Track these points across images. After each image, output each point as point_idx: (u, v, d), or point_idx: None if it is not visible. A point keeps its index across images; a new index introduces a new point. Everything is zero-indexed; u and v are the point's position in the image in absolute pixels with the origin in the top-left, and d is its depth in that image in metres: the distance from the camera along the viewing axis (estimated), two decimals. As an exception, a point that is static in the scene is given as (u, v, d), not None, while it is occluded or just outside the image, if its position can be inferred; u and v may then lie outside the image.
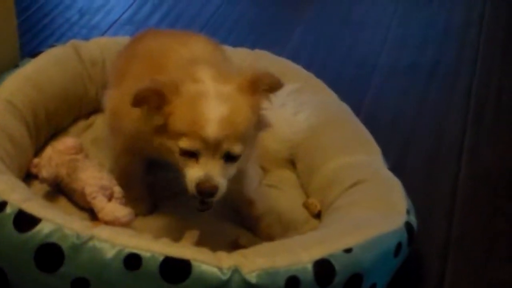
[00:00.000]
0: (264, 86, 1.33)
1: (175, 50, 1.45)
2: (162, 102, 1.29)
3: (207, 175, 1.28)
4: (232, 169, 1.32)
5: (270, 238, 1.49)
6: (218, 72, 1.35)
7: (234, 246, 1.44)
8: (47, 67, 1.72)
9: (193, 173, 1.29)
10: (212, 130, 1.27)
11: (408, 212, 1.45)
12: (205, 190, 1.29)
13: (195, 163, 1.29)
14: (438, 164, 1.88)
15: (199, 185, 1.28)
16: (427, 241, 1.59)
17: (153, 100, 1.30)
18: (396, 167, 1.63)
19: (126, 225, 1.43)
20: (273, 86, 1.34)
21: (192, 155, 1.29)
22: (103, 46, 1.86)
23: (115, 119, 1.49)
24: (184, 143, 1.29)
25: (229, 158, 1.30)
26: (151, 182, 1.58)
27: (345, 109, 1.78)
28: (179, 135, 1.29)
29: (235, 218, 1.55)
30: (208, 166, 1.28)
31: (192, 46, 1.46)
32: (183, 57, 1.42)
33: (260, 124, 1.36)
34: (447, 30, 2.52)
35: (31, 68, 1.70)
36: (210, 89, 1.30)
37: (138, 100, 1.30)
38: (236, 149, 1.29)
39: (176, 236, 1.46)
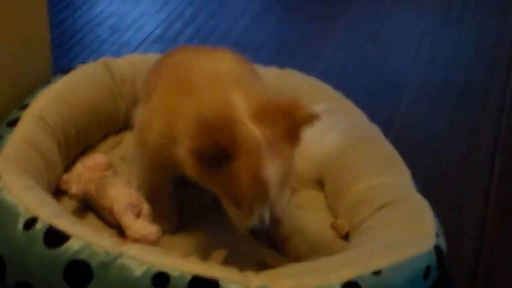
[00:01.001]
0: (307, 125, 1.32)
1: (199, 64, 1.44)
2: (223, 159, 1.26)
3: (261, 223, 1.31)
4: None
5: (297, 258, 1.48)
6: (255, 102, 1.31)
7: (262, 266, 1.43)
8: (78, 84, 1.74)
9: (245, 220, 1.31)
10: (274, 195, 1.28)
11: (437, 235, 1.44)
12: (258, 232, 1.32)
13: (245, 212, 1.31)
14: (469, 185, 1.86)
15: (252, 230, 1.32)
16: (456, 264, 1.57)
17: (215, 154, 1.25)
18: (425, 188, 1.62)
19: (153, 243, 1.44)
20: (313, 121, 1.32)
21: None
22: (134, 64, 1.87)
23: (143, 134, 1.50)
24: (244, 204, 1.30)
25: None
26: (179, 200, 1.58)
27: (374, 130, 1.77)
28: (240, 196, 1.29)
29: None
30: (261, 215, 1.31)
31: (217, 59, 1.45)
32: (209, 73, 1.41)
33: None
34: (478, 49, 2.50)
35: (63, 84, 1.71)
36: (262, 144, 1.26)
37: (202, 153, 1.26)
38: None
39: (203, 255, 1.46)
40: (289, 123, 1.29)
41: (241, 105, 1.30)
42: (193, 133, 1.26)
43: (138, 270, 1.22)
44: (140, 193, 1.55)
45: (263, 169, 1.25)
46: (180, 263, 1.24)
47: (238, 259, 1.37)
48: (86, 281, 1.23)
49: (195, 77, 1.40)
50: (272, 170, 1.26)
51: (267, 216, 1.32)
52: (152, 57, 1.86)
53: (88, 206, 1.58)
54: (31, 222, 1.30)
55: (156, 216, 1.52)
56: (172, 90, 1.43)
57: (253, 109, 1.30)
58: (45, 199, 1.39)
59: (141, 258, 1.23)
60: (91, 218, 1.57)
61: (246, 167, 1.26)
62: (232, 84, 1.36)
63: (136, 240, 1.43)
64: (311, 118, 1.31)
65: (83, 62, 1.88)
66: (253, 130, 1.27)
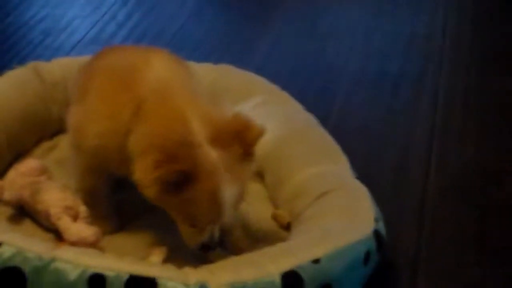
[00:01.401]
0: (257, 143, 1.35)
1: (137, 68, 1.43)
2: (183, 185, 1.28)
3: (211, 240, 1.34)
4: None
5: (239, 251, 1.47)
6: (212, 126, 1.33)
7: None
8: (6, 90, 1.71)
9: (194, 237, 1.34)
10: (229, 216, 1.33)
11: (376, 220, 1.45)
12: (209, 250, 1.35)
13: (197, 229, 1.33)
14: (407, 172, 1.88)
15: (202, 247, 1.35)
16: (398, 249, 1.59)
17: (175, 180, 1.28)
18: (364, 176, 1.63)
19: (93, 244, 1.42)
20: (262, 136, 1.36)
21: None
22: (65, 67, 1.85)
23: (78, 136, 1.47)
24: (199, 225, 1.33)
25: None
26: (117, 200, 1.56)
27: (310, 120, 1.78)
28: (196, 218, 1.32)
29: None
30: (212, 232, 1.34)
31: (155, 64, 1.44)
32: (148, 80, 1.40)
33: None
34: (411, 40, 2.53)
35: (-11, 91, 1.68)
36: (219, 168, 1.29)
37: (164, 181, 1.28)
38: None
39: (144, 254, 1.45)
40: (243, 145, 1.33)
41: (198, 129, 1.32)
42: (154, 160, 1.27)
43: (72, 273, 1.20)
44: (77, 196, 1.53)
45: (220, 191, 1.29)
46: (116, 263, 1.22)
47: (179, 256, 1.37)
48: (20, 287, 1.20)
49: (139, 87, 1.39)
50: (228, 192, 1.30)
51: (217, 233, 1.35)
52: (83, 59, 1.83)
53: (23, 212, 1.55)
54: (-41, 232, 1.26)
55: (95, 218, 1.50)
56: (112, 95, 1.41)
57: (209, 133, 1.32)
58: (-25, 207, 1.35)
59: (75, 261, 1.21)
60: (28, 223, 1.54)
61: (205, 190, 1.29)
62: (180, 101, 1.36)
63: (75, 243, 1.41)
64: (261, 134, 1.35)
65: (13, 68, 1.84)
66: (211, 154, 1.30)
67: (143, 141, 1.32)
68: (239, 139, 1.32)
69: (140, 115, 1.36)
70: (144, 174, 1.29)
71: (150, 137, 1.31)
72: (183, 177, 1.27)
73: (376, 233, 1.42)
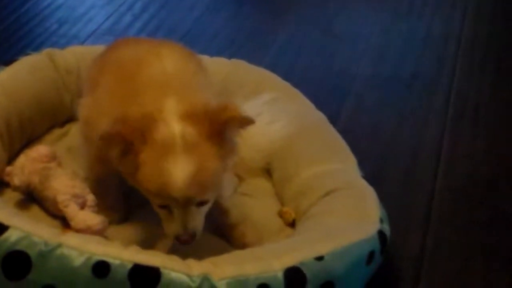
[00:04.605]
0: (235, 126, 1.31)
1: (147, 62, 1.42)
2: (129, 150, 1.28)
3: (184, 228, 1.29)
4: (207, 207, 1.33)
5: (244, 246, 1.48)
6: (187, 106, 1.30)
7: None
8: (20, 75, 1.72)
9: (170, 227, 1.31)
10: (180, 192, 1.26)
11: (381, 220, 1.45)
12: (185, 241, 1.30)
13: (169, 213, 1.30)
14: (415, 175, 1.88)
15: (177, 238, 1.30)
16: (402, 251, 1.59)
17: (120, 145, 1.28)
18: (373, 177, 1.63)
19: (98, 233, 1.43)
20: (244, 124, 1.31)
21: (165, 206, 1.30)
22: (79, 55, 1.85)
23: (88, 127, 1.48)
24: (155, 200, 1.30)
25: (202, 203, 1.31)
26: (125, 191, 1.57)
27: (321, 118, 1.78)
28: (149, 191, 1.29)
29: (209, 226, 1.53)
30: (183, 218, 1.29)
31: (164, 58, 1.43)
32: (154, 73, 1.39)
33: (230, 153, 1.34)
34: (426, 42, 2.53)
35: (3, 75, 1.69)
36: (177, 140, 1.26)
37: (106, 140, 1.28)
38: (208, 197, 1.31)
39: (149, 244, 1.46)
40: (213, 124, 1.28)
41: (170, 107, 1.30)
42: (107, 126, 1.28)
43: (77, 260, 1.21)
44: (86, 184, 1.54)
45: (167, 162, 1.25)
46: (121, 252, 1.23)
47: (183, 248, 1.36)
48: (25, 271, 1.21)
49: (140, 80, 1.39)
50: (178, 166, 1.25)
51: (191, 222, 1.29)
52: (98, 48, 1.83)
53: (32, 198, 1.56)
54: (-33, 214, 1.27)
55: (102, 207, 1.51)
56: (120, 90, 1.41)
57: (181, 110, 1.30)
58: (-16, 191, 1.36)
59: (80, 248, 1.22)
60: (35, 209, 1.55)
61: (150, 158, 1.26)
62: (172, 89, 1.35)
63: (81, 231, 1.42)
64: (240, 119, 1.30)
65: (28, 54, 1.84)
66: (171, 126, 1.27)
67: None
68: (211, 119, 1.28)
69: (136, 105, 1.34)
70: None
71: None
72: (121, 140, 1.26)
73: (381, 233, 1.42)
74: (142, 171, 1.27)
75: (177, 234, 1.30)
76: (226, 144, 1.31)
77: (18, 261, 1.22)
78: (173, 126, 1.28)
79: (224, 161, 1.32)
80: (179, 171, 1.25)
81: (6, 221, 1.26)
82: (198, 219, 1.31)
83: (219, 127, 1.29)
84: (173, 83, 1.37)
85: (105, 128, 1.27)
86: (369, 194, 1.52)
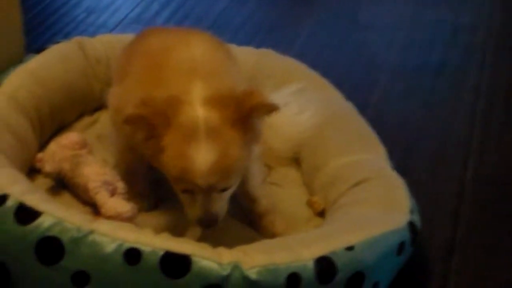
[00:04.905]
0: (260, 113, 1.30)
1: (175, 49, 1.42)
2: (153, 134, 1.28)
3: (206, 213, 1.29)
4: (230, 192, 1.33)
5: (272, 235, 1.48)
6: (213, 91, 1.30)
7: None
8: (51, 63, 1.72)
9: (192, 211, 1.31)
10: (203, 179, 1.26)
11: (411, 211, 1.44)
12: (206, 224, 1.31)
13: (191, 197, 1.30)
14: (444, 165, 1.87)
15: (199, 221, 1.30)
16: (432, 241, 1.59)
17: (144, 128, 1.28)
18: (401, 167, 1.62)
19: (128, 220, 1.43)
20: (269, 111, 1.31)
21: (187, 191, 1.30)
22: (108, 44, 1.86)
23: (117, 116, 1.48)
24: (177, 185, 1.30)
25: (225, 189, 1.31)
26: (155, 178, 1.57)
27: (349, 108, 1.77)
28: (172, 176, 1.29)
29: (238, 215, 1.54)
30: (205, 203, 1.29)
31: (193, 46, 1.43)
32: (183, 60, 1.39)
33: (254, 140, 1.34)
34: (455, 31, 2.51)
35: (35, 63, 1.70)
36: (201, 125, 1.26)
37: (130, 123, 1.29)
38: (230, 183, 1.31)
39: (179, 232, 1.46)
40: (238, 110, 1.28)
41: (196, 91, 1.30)
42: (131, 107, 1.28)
43: (109, 246, 1.22)
44: (116, 172, 1.55)
45: (190, 148, 1.25)
46: (152, 239, 1.23)
47: (212, 236, 1.37)
48: (58, 257, 1.22)
49: (168, 67, 1.38)
50: (201, 152, 1.25)
51: (214, 206, 1.29)
52: (126, 37, 1.84)
53: (63, 184, 1.57)
54: (1, 200, 1.28)
55: (132, 195, 1.52)
56: (149, 79, 1.41)
57: (206, 96, 1.29)
58: (16, 177, 1.37)
59: (112, 235, 1.23)
60: (66, 196, 1.56)
61: (173, 143, 1.26)
62: (199, 74, 1.35)
63: (111, 218, 1.43)
64: (265, 106, 1.29)
65: (58, 42, 1.85)
66: (195, 111, 1.27)
67: None
68: (237, 104, 1.28)
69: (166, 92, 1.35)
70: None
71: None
72: (146, 123, 1.26)
73: (411, 224, 1.41)
74: (165, 154, 1.28)
75: (199, 219, 1.30)
76: (251, 131, 1.31)
77: (51, 247, 1.23)
78: (198, 110, 1.28)
79: (248, 148, 1.32)
80: (201, 158, 1.25)
81: (38, 207, 1.27)
82: (220, 204, 1.31)
83: (244, 114, 1.28)
84: (201, 69, 1.37)
85: (129, 111, 1.28)
86: (399, 185, 1.52)
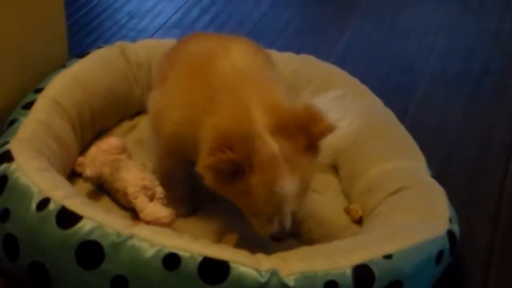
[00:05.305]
0: (325, 137, 1.33)
1: (217, 57, 1.43)
2: (238, 174, 1.28)
3: (281, 231, 1.33)
4: None
5: (310, 242, 1.47)
6: (275, 117, 1.31)
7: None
8: (93, 68, 1.74)
9: (264, 227, 1.34)
10: (290, 207, 1.31)
11: (450, 220, 1.43)
12: (282, 240, 1.34)
13: (266, 220, 1.33)
14: (483, 173, 1.85)
15: (273, 237, 1.34)
16: (470, 250, 1.57)
17: (228, 171, 1.27)
18: (440, 175, 1.61)
19: (167, 225, 1.44)
20: (331, 131, 1.33)
21: None
22: (149, 48, 1.88)
23: (157, 120, 1.50)
24: (261, 216, 1.33)
25: None
26: (193, 184, 1.58)
27: (389, 115, 1.76)
28: (256, 210, 1.32)
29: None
30: (281, 223, 1.33)
31: (235, 54, 1.44)
32: (227, 70, 1.40)
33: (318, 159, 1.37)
34: (496, 38, 2.48)
35: (78, 68, 1.72)
36: (280, 159, 1.27)
37: (217, 168, 1.28)
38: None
39: (216, 238, 1.48)
40: (308, 137, 1.30)
41: (260, 119, 1.31)
42: (209, 149, 1.27)
43: (149, 251, 1.23)
44: (155, 177, 1.56)
45: (279, 184, 1.27)
46: (191, 244, 1.24)
47: (250, 243, 1.37)
48: (98, 261, 1.24)
49: (214, 77, 1.39)
50: (288, 185, 1.28)
51: (288, 223, 1.34)
52: (168, 42, 1.86)
53: (102, 189, 1.59)
54: (44, 203, 1.31)
55: (170, 200, 1.53)
56: (190, 84, 1.42)
57: (272, 123, 1.30)
58: (58, 181, 1.40)
59: (152, 240, 1.24)
60: (106, 200, 1.58)
61: (262, 181, 1.27)
62: (251, 92, 1.35)
63: (150, 223, 1.44)
64: (329, 129, 1.32)
65: (99, 47, 1.88)
66: (271, 145, 1.28)
67: (208, 131, 1.33)
68: (304, 131, 1.30)
69: (212, 105, 1.36)
70: (201, 162, 1.30)
71: (213, 127, 1.32)
72: (234, 166, 1.25)
73: (450, 233, 1.40)
74: (253, 194, 1.28)
75: (274, 235, 1.33)
76: (318, 153, 1.34)
77: (91, 251, 1.24)
78: (271, 143, 1.29)
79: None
80: (289, 191, 1.28)
81: (80, 211, 1.29)
82: (290, 218, 1.35)
83: (314, 140, 1.31)
84: (249, 84, 1.37)
85: (211, 156, 1.26)
86: (439, 193, 1.50)
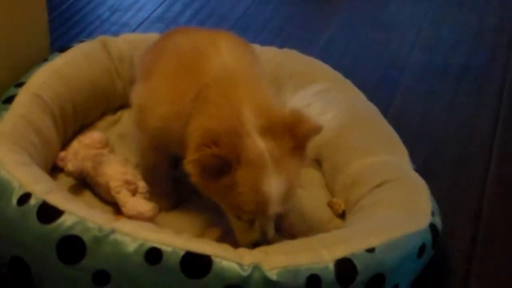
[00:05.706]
0: (311, 138, 1.33)
1: (205, 52, 1.43)
2: (224, 171, 1.27)
3: (263, 237, 1.32)
4: None
5: (293, 236, 1.47)
6: (264, 116, 1.31)
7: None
8: (75, 62, 1.73)
9: (246, 235, 1.33)
10: (275, 210, 1.30)
11: (433, 213, 1.44)
12: (260, 245, 1.32)
13: (249, 223, 1.32)
14: (466, 167, 1.86)
15: (254, 244, 1.32)
16: (453, 243, 1.58)
17: (216, 167, 1.27)
18: (423, 169, 1.62)
19: (149, 220, 1.44)
20: (317, 133, 1.33)
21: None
22: (132, 43, 1.87)
23: (142, 115, 1.49)
24: (244, 216, 1.32)
25: None
26: (176, 178, 1.58)
27: (372, 109, 1.77)
28: (240, 208, 1.30)
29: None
30: (263, 227, 1.32)
31: (222, 49, 1.43)
32: (215, 66, 1.39)
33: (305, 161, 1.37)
34: (479, 33, 2.49)
35: (59, 62, 1.71)
36: (267, 158, 1.27)
37: (204, 163, 1.27)
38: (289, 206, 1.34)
39: (199, 233, 1.47)
40: (295, 139, 1.30)
41: (249, 119, 1.31)
42: (195, 144, 1.27)
43: (131, 246, 1.22)
44: (137, 171, 1.56)
45: (264, 183, 1.27)
46: (173, 239, 1.24)
47: (232, 237, 1.37)
48: (80, 256, 1.23)
49: (204, 73, 1.39)
50: (273, 185, 1.27)
51: (270, 230, 1.33)
52: (150, 36, 1.86)
53: (84, 184, 1.58)
54: (24, 198, 1.30)
55: (153, 194, 1.53)
56: (178, 79, 1.42)
57: (260, 123, 1.30)
58: (39, 175, 1.39)
59: (134, 234, 1.23)
60: (88, 195, 1.57)
61: (247, 179, 1.27)
62: (241, 90, 1.35)
63: (132, 217, 1.44)
64: (316, 131, 1.32)
65: (82, 41, 1.87)
66: (258, 144, 1.28)
67: (196, 127, 1.33)
68: (291, 132, 1.30)
69: (201, 101, 1.36)
70: (187, 158, 1.30)
71: (202, 124, 1.32)
72: (221, 162, 1.25)
73: (432, 226, 1.41)
74: (237, 190, 1.28)
75: (256, 242, 1.32)
76: (305, 155, 1.33)
77: (73, 246, 1.24)
78: (259, 142, 1.29)
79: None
80: (275, 191, 1.28)
81: (61, 206, 1.28)
82: (273, 225, 1.35)
83: (301, 142, 1.31)
84: (238, 82, 1.37)
85: (197, 151, 1.26)
86: (421, 187, 1.51)
